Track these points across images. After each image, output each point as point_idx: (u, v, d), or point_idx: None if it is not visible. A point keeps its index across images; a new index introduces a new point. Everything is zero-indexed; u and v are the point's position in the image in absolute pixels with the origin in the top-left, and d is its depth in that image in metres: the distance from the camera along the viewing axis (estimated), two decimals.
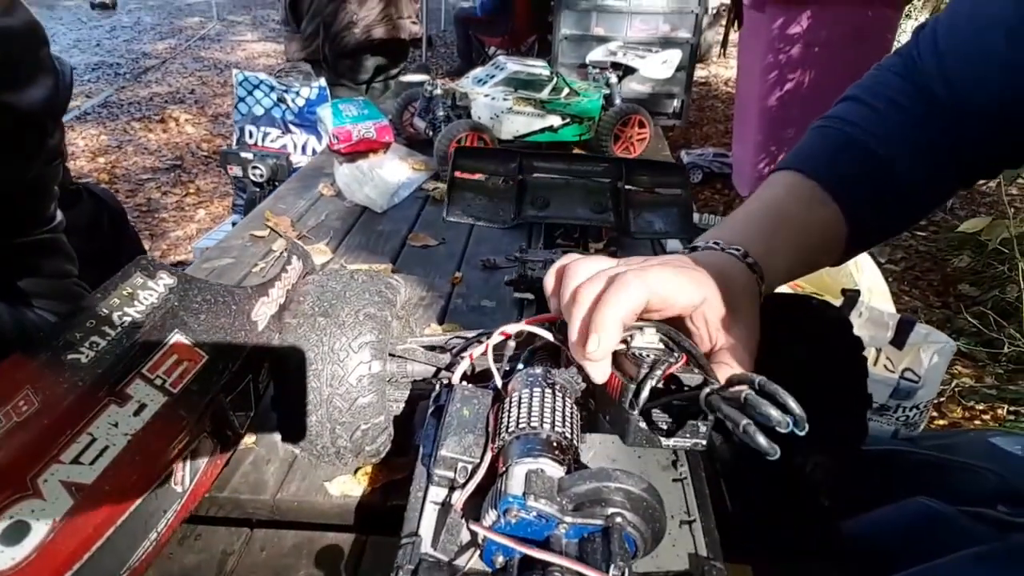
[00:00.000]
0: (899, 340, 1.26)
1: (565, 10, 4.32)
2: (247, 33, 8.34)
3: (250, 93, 2.20)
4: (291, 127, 2.18)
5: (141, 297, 0.50)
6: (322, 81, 2.19)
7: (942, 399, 2.05)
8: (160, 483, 0.46)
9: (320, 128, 1.72)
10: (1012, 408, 1.97)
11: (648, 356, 0.43)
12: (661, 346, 0.46)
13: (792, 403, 0.37)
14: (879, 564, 0.79)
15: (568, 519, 0.39)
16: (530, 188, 0.73)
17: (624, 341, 0.46)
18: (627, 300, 0.41)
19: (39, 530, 0.38)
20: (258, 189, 2.08)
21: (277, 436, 0.68)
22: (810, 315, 0.59)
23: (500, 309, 0.95)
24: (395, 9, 2.58)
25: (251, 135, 2.20)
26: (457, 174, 0.73)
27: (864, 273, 1.53)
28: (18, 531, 0.37)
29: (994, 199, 3.19)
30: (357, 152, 1.53)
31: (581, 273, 0.45)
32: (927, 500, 0.87)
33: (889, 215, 0.55)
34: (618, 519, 0.40)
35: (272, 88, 2.17)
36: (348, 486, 0.63)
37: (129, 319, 0.48)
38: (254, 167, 1.99)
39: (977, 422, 2.00)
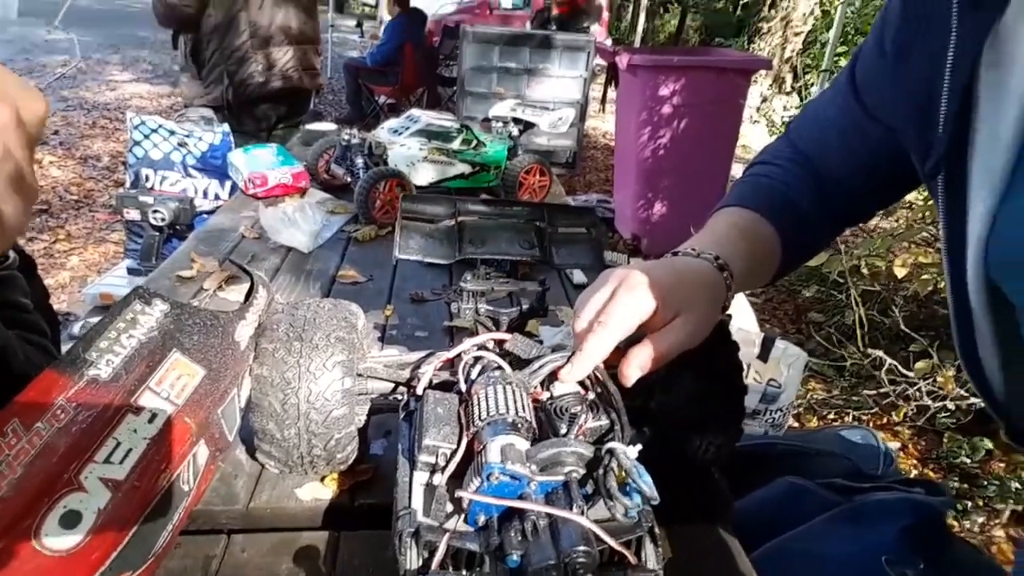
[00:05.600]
0: (764, 355, 1.49)
1: (469, 70, 4.61)
2: (116, 73, 7.92)
3: (146, 137, 2.16)
4: (192, 172, 2.16)
5: (141, 321, 0.56)
6: (225, 127, 2.21)
7: (800, 410, 2.35)
8: (172, 482, 0.52)
9: (232, 173, 1.74)
10: (856, 413, 2.31)
11: (566, 412, 0.57)
12: (576, 390, 0.61)
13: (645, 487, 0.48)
14: (760, 533, 0.95)
15: (537, 478, 0.50)
16: (468, 229, 0.85)
17: (549, 390, 0.61)
18: (599, 353, 0.57)
19: (88, 518, 0.43)
20: (157, 233, 2.04)
21: (242, 454, 0.74)
22: None
23: (433, 336, 1.05)
24: (301, 60, 2.64)
25: (148, 179, 2.16)
26: (404, 218, 0.83)
27: (737, 307, 1.78)
28: (73, 518, 0.43)
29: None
30: (274, 196, 1.58)
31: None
32: (791, 479, 1.06)
33: (804, 238, 0.72)
34: (574, 474, 0.51)
35: (172, 132, 2.15)
36: (317, 491, 0.70)
37: (135, 340, 0.54)
38: (155, 211, 1.95)
39: None
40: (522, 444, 0.53)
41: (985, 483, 2.06)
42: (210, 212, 2.07)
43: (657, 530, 0.51)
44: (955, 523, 1.92)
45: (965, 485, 2.08)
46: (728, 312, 0.78)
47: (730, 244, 0.64)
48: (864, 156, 0.66)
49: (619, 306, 0.56)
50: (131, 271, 2.10)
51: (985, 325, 0.51)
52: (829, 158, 0.70)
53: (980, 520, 1.95)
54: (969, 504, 1.99)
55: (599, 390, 0.61)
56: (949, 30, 0.48)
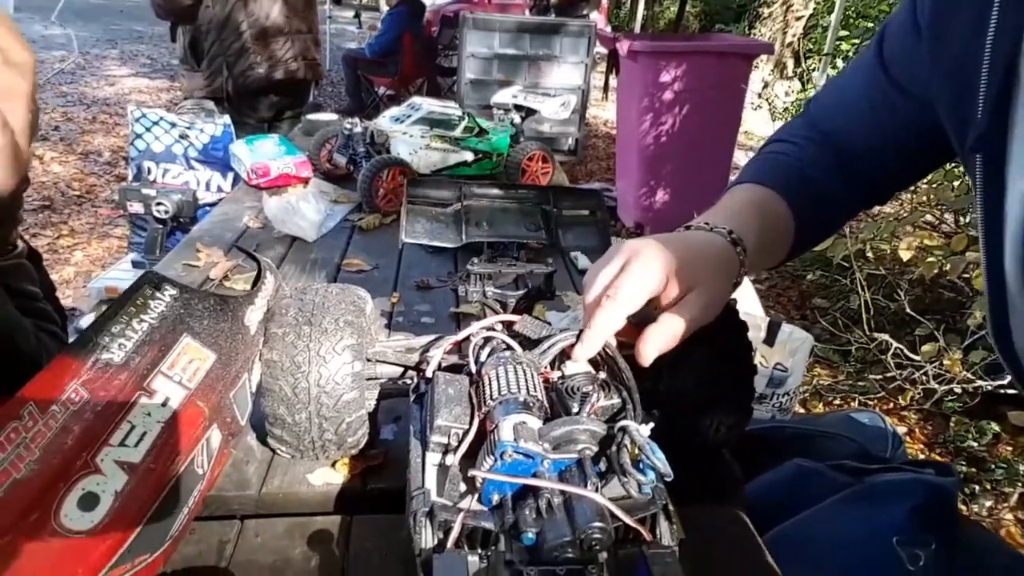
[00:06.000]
0: (770, 339, 1.49)
1: (469, 57, 4.60)
2: (114, 68, 7.89)
3: (148, 130, 2.16)
4: (194, 164, 2.16)
5: (152, 306, 0.56)
6: (226, 118, 2.20)
7: (806, 396, 2.35)
8: (187, 465, 0.52)
9: (234, 163, 1.73)
10: (862, 398, 2.31)
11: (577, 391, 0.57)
12: (588, 369, 0.61)
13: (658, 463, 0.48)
14: (769, 516, 0.95)
15: (550, 456, 0.50)
16: (474, 212, 0.84)
17: (560, 369, 0.61)
18: (609, 328, 0.56)
19: (106, 500, 0.44)
20: (161, 226, 2.04)
21: (253, 440, 0.74)
22: None
23: (439, 322, 1.05)
24: (300, 51, 2.63)
25: (150, 172, 2.16)
26: (410, 202, 0.83)
27: (742, 292, 1.77)
28: (91, 500, 0.43)
29: None
30: (277, 187, 1.58)
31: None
32: (800, 461, 1.06)
33: (820, 217, 0.70)
34: (587, 452, 0.51)
35: (173, 125, 2.15)
36: (329, 476, 0.70)
37: (146, 324, 0.54)
38: (158, 203, 1.95)
39: None
40: (534, 423, 0.53)
41: (993, 466, 2.06)
42: (213, 204, 2.06)
43: (672, 508, 0.52)
44: (963, 507, 1.92)
45: (973, 469, 2.08)
46: (732, 296, 0.78)
47: (743, 219, 0.63)
48: (893, 132, 0.65)
49: (629, 280, 0.55)
50: (136, 264, 2.10)
51: (1021, 303, 0.50)
52: (854, 136, 0.68)
53: (988, 504, 1.95)
54: (977, 488, 1.99)
55: (610, 368, 0.61)
56: (990, 6, 0.47)
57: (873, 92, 0.65)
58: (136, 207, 2.02)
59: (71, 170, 4.64)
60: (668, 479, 0.48)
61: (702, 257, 0.58)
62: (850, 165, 0.68)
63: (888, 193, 0.74)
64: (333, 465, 0.72)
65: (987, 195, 0.50)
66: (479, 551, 0.48)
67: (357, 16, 9.46)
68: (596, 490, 0.48)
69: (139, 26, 9.83)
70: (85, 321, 1.94)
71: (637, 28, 8.67)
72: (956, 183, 2.47)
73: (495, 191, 0.89)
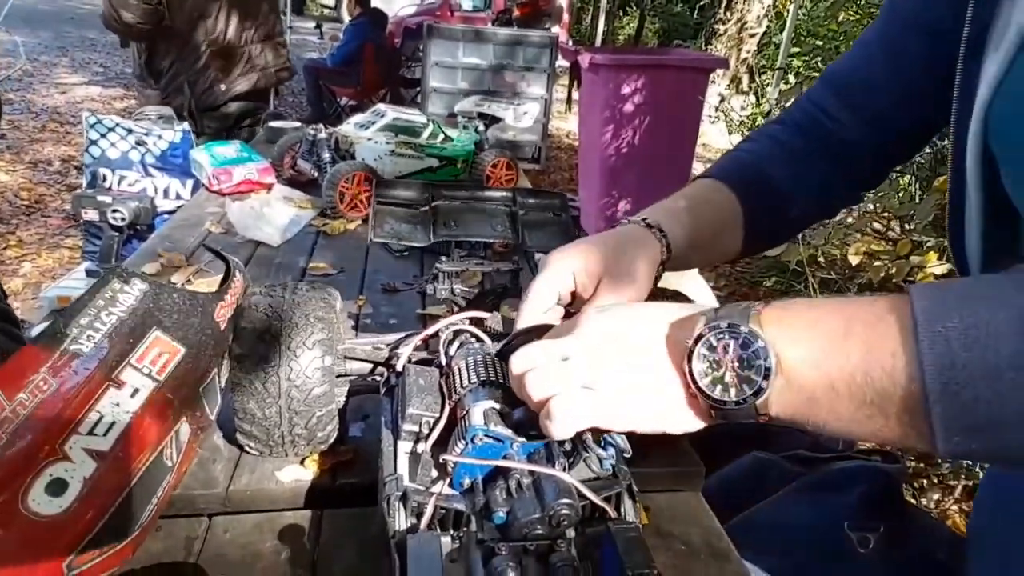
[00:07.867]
0: None
1: (433, 67, 4.64)
2: (66, 76, 7.66)
3: (103, 136, 2.11)
4: (152, 171, 2.12)
5: (121, 299, 0.56)
6: (185, 125, 2.17)
7: None
8: (156, 456, 0.52)
9: (195, 170, 1.71)
10: None
11: None
12: None
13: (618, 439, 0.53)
14: (728, 506, 0.98)
15: (519, 440, 0.52)
16: (442, 213, 0.86)
17: None
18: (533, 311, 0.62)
19: (74, 486, 0.44)
20: (117, 234, 1.99)
21: (219, 439, 0.74)
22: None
23: (406, 325, 1.06)
24: (264, 60, 2.61)
25: (105, 179, 2.11)
26: (379, 202, 0.84)
27: (697, 290, 1.83)
28: (59, 486, 0.43)
29: None
30: (239, 192, 1.57)
31: None
32: (758, 453, 1.10)
33: (773, 213, 0.72)
34: None
35: (130, 131, 2.10)
36: (298, 472, 0.70)
37: (115, 317, 0.54)
38: (114, 210, 1.91)
39: None
40: (504, 409, 0.54)
41: (939, 461, 2.15)
42: (172, 212, 2.03)
43: (635, 488, 0.54)
44: (912, 500, 2.00)
45: (921, 464, 2.16)
46: (691, 297, 0.81)
47: (664, 208, 0.68)
48: (909, 72, 0.64)
49: (536, 283, 0.61)
50: (90, 273, 2.05)
51: (976, 196, 0.52)
52: (866, 80, 0.68)
53: (936, 496, 2.03)
54: (925, 482, 2.07)
55: None
56: None
57: (887, 36, 0.67)
58: (91, 215, 1.97)
59: (19, 179, 4.48)
60: (627, 455, 0.50)
61: (609, 247, 0.63)
62: (846, 147, 0.70)
63: (877, 173, 0.75)
64: (302, 462, 0.72)
65: (963, 88, 0.52)
66: (452, 532, 0.50)
67: (318, 26, 9.41)
68: (563, 471, 0.50)
69: (91, 33, 9.57)
70: (36, 332, 1.88)
71: (597, 43, 8.85)
72: (900, 192, 2.59)
73: (463, 193, 0.91)
